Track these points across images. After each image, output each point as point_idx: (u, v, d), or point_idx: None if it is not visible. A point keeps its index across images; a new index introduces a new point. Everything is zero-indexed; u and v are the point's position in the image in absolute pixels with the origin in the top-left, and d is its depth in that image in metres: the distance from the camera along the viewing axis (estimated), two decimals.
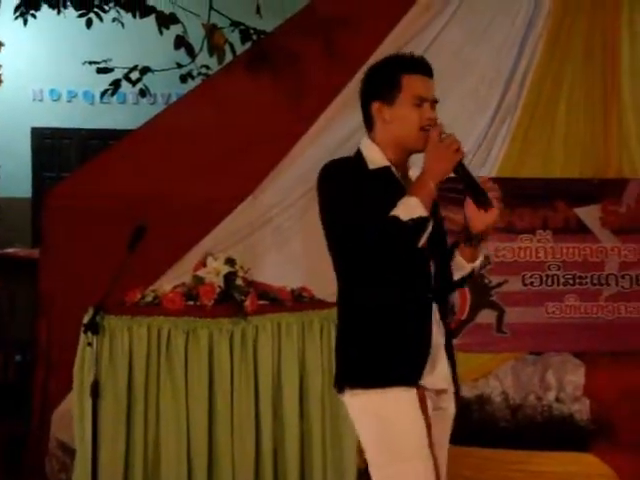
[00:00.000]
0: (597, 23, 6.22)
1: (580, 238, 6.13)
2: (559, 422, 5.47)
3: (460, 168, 2.98)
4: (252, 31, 6.32)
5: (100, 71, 6.45)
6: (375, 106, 3.09)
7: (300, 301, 4.85)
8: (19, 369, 6.97)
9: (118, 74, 6.49)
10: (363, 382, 2.99)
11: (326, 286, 5.51)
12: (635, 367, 6.04)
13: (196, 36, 6.25)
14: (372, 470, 3.00)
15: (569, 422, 5.48)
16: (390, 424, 2.93)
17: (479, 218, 3.01)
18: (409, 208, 2.90)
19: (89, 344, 4.47)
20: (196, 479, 4.53)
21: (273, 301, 4.78)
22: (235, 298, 4.68)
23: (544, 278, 6.11)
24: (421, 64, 3.09)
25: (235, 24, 6.35)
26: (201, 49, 6.22)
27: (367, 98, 3.13)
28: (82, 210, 5.58)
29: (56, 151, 9.77)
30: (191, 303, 4.68)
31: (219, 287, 4.70)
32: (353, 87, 6.01)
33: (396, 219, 2.89)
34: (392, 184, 3.04)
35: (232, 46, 6.23)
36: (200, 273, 4.77)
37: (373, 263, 2.94)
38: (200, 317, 4.62)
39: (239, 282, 4.75)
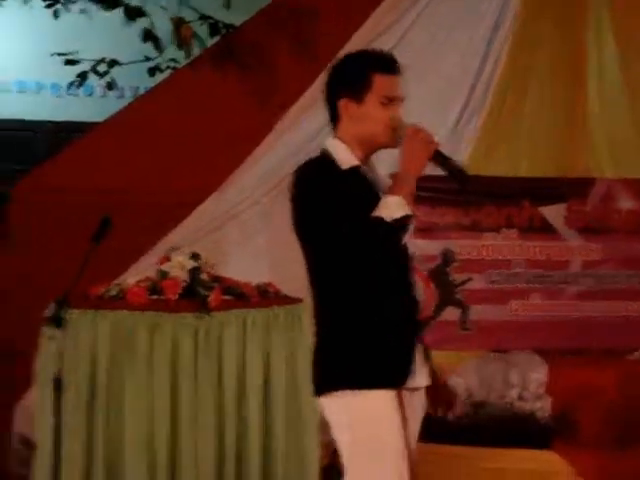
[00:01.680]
0: (564, 25, 6.27)
1: (545, 237, 6.18)
2: (521, 419, 5.49)
3: (437, 155, 3.00)
4: (221, 25, 6.31)
5: (68, 63, 6.41)
6: (342, 102, 3.06)
7: (265, 296, 4.85)
8: None
9: (86, 66, 6.46)
10: (349, 383, 2.94)
11: (291, 281, 5.53)
12: (597, 366, 6.09)
13: (164, 29, 6.22)
14: (352, 470, 2.98)
15: (531, 420, 5.50)
16: (375, 425, 2.91)
17: None
18: (393, 207, 2.89)
19: (51, 338, 4.44)
20: (158, 475, 4.51)
21: (238, 296, 4.77)
22: (199, 293, 4.66)
23: (509, 276, 6.14)
24: (391, 63, 3.08)
25: (204, 18, 6.34)
26: (169, 42, 6.20)
27: (334, 93, 3.10)
28: (48, 203, 5.54)
29: (22, 143, 9.69)
30: (155, 297, 4.66)
31: (184, 282, 4.68)
32: (320, 84, 6.05)
33: (381, 220, 2.87)
34: (364, 183, 3.01)
35: (201, 40, 6.21)
36: (164, 267, 4.75)
37: (359, 266, 2.92)
38: (164, 311, 4.60)
39: (204, 277, 4.74)
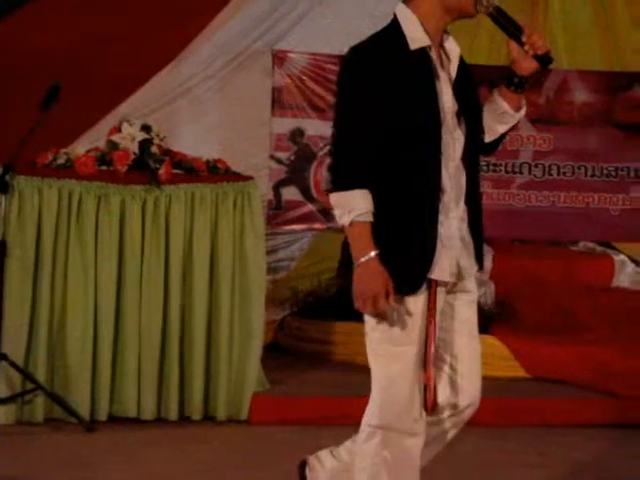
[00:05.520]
0: None
1: None
2: None
3: (495, 12, 2.80)
4: None
5: None
6: None
7: (215, 172, 4.81)
8: None
9: None
10: None
11: (241, 159, 5.53)
12: (540, 255, 6.20)
13: None
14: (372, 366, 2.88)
15: None
16: (407, 323, 2.79)
17: (525, 60, 2.80)
18: (348, 209, 2.71)
19: None
20: (102, 344, 4.53)
21: (188, 171, 4.73)
22: (149, 165, 4.62)
23: None
24: None
25: None
26: None
27: None
28: None
29: None
30: (104, 168, 4.61)
31: (134, 153, 4.63)
32: None
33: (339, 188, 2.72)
34: (427, 67, 2.80)
35: None
36: (114, 138, 4.68)
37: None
38: (112, 183, 4.56)
39: (154, 150, 4.68)
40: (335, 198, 2.74)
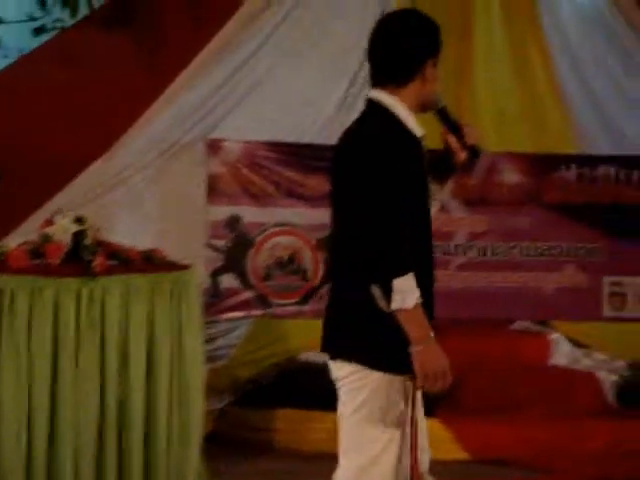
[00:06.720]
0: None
1: None
2: None
3: (441, 113, 3.06)
4: None
5: None
6: (429, 63, 3.01)
7: (150, 262, 4.79)
8: None
9: None
10: (377, 365, 2.89)
11: (178, 249, 5.51)
12: (482, 335, 6.22)
13: None
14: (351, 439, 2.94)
15: None
16: (392, 405, 2.89)
17: (460, 150, 3.09)
18: (410, 292, 2.80)
19: None
20: (36, 442, 4.42)
21: (123, 262, 4.70)
22: (83, 257, 4.58)
23: None
24: None
25: None
26: (55, 2, 6.05)
27: (423, 54, 3.03)
28: None
29: None
30: (37, 261, 4.56)
31: (67, 245, 4.60)
32: (214, 46, 6.00)
33: (393, 277, 2.79)
34: (423, 153, 3.00)
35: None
36: (47, 231, 4.65)
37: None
38: (46, 276, 4.50)
39: (88, 241, 4.65)
40: (398, 283, 2.79)
